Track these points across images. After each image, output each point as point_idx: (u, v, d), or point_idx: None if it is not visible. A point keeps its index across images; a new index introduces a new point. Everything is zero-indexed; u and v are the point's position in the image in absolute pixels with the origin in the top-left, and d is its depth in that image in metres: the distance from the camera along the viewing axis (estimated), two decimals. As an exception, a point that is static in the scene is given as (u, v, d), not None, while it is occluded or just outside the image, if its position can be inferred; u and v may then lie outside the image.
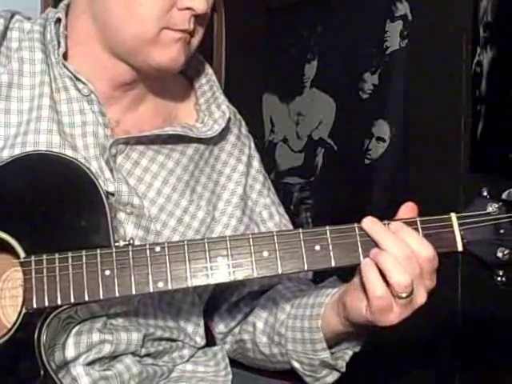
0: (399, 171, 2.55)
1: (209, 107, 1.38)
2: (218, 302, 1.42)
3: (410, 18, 2.53)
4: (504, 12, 2.24)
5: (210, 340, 1.44)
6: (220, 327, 1.43)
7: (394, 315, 1.14)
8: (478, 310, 2.25)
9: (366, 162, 2.65)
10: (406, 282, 1.11)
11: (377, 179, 2.62)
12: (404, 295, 1.12)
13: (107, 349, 1.25)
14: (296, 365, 1.31)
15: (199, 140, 1.36)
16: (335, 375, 1.31)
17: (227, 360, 1.41)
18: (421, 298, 1.14)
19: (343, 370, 1.30)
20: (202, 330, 1.37)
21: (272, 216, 1.43)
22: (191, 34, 1.26)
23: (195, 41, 1.29)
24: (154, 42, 1.24)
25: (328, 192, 2.77)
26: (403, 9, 2.54)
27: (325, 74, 2.80)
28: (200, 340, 1.37)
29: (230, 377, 1.39)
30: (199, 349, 1.38)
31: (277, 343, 1.33)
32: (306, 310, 1.29)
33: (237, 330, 1.42)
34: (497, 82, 2.27)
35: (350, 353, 1.30)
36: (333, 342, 1.27)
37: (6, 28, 1.31)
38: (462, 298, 2.30)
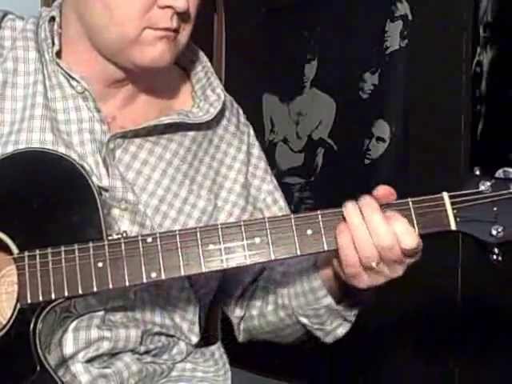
0: (399, 171, 2.55)
1: (204, 92, 1.39)
2: (230, 287, 1.41)
3: (410, 17, 2.52)
4: (504, 12, 2.24)
5: (211, 338, 1.44)
6: (237, 312, 1.42)
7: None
8: (477, 301, 2.25)
9: (366, 161, 2.64)
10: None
11: (377, 179, 2.61)
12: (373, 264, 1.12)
13: (106, 346, 1.25)
14: (304, 320, 1.31)
15: (197, 127, 1.36)
16: (346, 326, 1.31)
17: (225, 358, 1.41)
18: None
19: (351, 318, 1.30)
20: (197, 329, 1.36)
21: (276, 201, 1.44)
22: (176, 31, 1.26)
23: (182, 38, 1.28)
24: (136, 42, 1.24)
25: (328, 192, 2.76)
26: (403, 9, 2.54)
27: (325, 74, 2.80)
28: (195, 338, 1.36)
29: (230, 374, 1.39)
30: (196, 347, 1.38)
31: (281, 306, 1.34)
32: (300, 265, 1.31)
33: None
34: (497, 82, 2.27)
35: (357, 308, 1.30)
36: (336, 293, 1.27)
37: None
38: (462, 291, 2.29)
